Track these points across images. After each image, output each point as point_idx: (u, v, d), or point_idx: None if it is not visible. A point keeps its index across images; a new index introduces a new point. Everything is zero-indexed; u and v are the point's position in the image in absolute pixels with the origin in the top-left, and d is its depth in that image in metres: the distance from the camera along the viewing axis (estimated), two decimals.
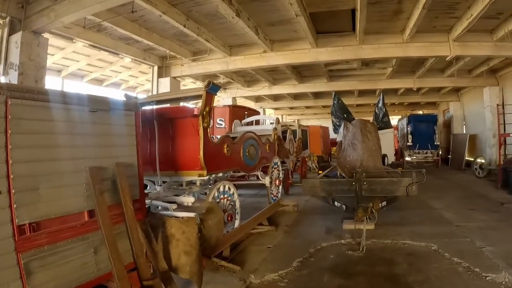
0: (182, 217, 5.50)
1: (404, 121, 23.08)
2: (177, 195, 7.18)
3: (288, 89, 18.93)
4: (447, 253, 5.99)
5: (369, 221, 7.37)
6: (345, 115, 10.06)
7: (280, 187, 11.19)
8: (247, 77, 18.05)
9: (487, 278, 4.98)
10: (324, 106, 26.94)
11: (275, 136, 11.34)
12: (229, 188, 7.43)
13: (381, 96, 10.38)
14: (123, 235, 4.45)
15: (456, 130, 23.67)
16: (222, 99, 19.59)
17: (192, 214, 5.51)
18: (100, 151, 4.40)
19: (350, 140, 9.43)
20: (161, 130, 7.06)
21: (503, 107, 15.59)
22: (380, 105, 10.30)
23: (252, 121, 13.68)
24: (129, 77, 18.01)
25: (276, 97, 24.56)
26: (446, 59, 11.32)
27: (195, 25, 10.30)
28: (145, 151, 7.04)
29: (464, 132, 22.48)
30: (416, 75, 16.47)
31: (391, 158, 20.26)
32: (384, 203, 7.69)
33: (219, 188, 7.11)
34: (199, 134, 6.68)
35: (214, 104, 19.70)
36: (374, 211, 7.23)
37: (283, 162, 13.54)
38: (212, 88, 6.88)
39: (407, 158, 21.80)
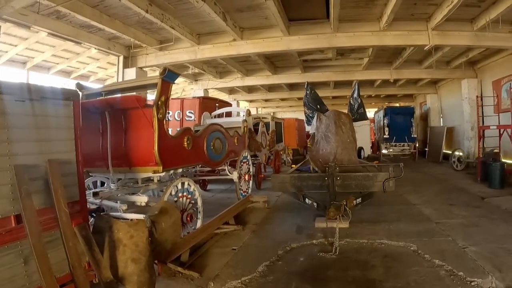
0: (131, 220, 5.00)
1: (381, 113, 22.89)
2: (133, 194, 6.68)
3: (261, 81, 18.40)
4: (427, 255, 5.56)
5: (342, 220, 6.87)
6: (318, 106, 9.56)
7: (251, 182, 10.69)
8: (219, 68, 17.43)
9: (473, 284, 4.55)
10: (299, 98, 26.45)
11: (245, 128, 10.81)
12: (189, 185, 6.87)
13: (356, 86, 9.89)
14: (58, 242, 3.92)
15: (433, 122, 23.57)
16: (193, 91, 18.96)
17: (141, 216, 4.98)
18: (30, 146, 3.86)
19: (323, 132, 8.98)
20: (113, 122, 6.54)
21: (481, 99, 15.35)
22: (355, 95, 9.82)
23: (222, 113, 13.16)
24: (97, 68, 17.26)
25: (250, 89, 24.05)
26: (425, 48, 10.92)
27: (158, 11, 9.70)
28: (96, 146, 6.62)
29: (442, 124, 22.38)
30: (393, 66, 16.15)
31: (367, 151, 20.11)
32: (359, 199, 7.23)
33: (176, 185, 6.56)
34: (153, 126, 6.13)
35: (184, 96, 19.47)
36: (347, 209, 6.73)
37: (255, 156, 13.08)
38: (168, 76, 6.38)
39: (384, 151, 21.58)
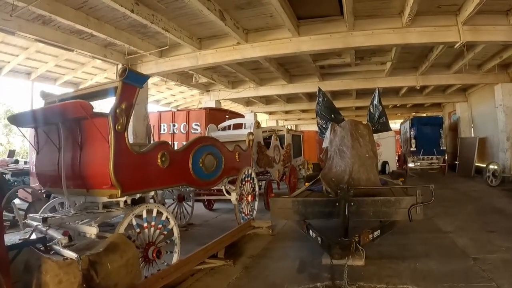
0: (64, 259, 3.75)
1: (407, 124, 21.04)
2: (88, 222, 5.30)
3: (276, 90, 16.85)
4: None
5: (355, 255, 5.23)
6: (332, 115, 8.06)
7: (256, 203, 9.15)
8: (230, 77, 16.07)
9: None
10: None
11: (250, 142, 9.31)
12: (158, 213, 5.38)
13: (377, 91, 8.30)
14: None
15: (463, 133, 21.43)
16: (204, 102, 17.62)
17: (74, 255, 3.66)
18: None
19: (338, 146, 7.37)
20: (66, 135, 5.22)
21: None
22: (375, 102, 8.23)
23: (229, 126, 11.73)
24: (105, 79, 16.20)
25: (267, 100, 22.59)
26: (455, 46, 9.21)
27: (147, 11, 8.48)
28: (53, 162, 5.40)
29: (473, 135, 20.28)
30: (419, 71, 14.34)
31: (393, 166, 18.23)
32: (377, 232, 5.52)
33: (139, 214, 5.14)
34: (108, 140, 4.76)
35: (191, 107, 18.17)
36: (360, 247, 5.04)
37: (265, 173, 11.58)
38: (131, 78, 5.01)
39: (411, 165, 19.69)
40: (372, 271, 5.23)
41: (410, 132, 19.89)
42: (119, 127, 4.84)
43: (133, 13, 8.04)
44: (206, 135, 11.04)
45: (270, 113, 27.55)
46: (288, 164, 13.82)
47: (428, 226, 7.85)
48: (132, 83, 5.08)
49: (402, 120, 25.46)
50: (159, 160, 5.59)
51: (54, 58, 12.99)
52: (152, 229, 5.23)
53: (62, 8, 8.23)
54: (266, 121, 28.59)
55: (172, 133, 13.57)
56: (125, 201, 5.35)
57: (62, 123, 5.20)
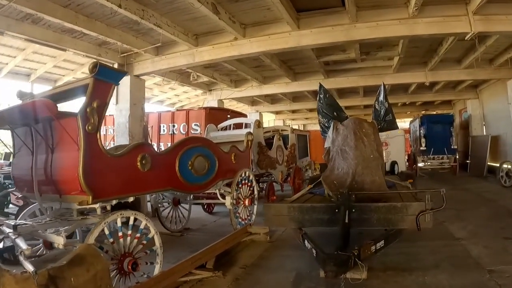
0: (22, 272, 3.33)
1: (416, 122, 20.30)
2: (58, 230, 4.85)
3: (280, 88, 16.20)
4: None
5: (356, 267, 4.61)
6: (335, 113, 7.47)
7: (255, 207, 8.57)
8: (232, 76, 15.43)
9: None
10: None
11: (249, 143, 8.74)
12: (135, 221, 4.87)
13: (382, 86, 7.66)
14: None
15: (475, 131, 20.51)
16: (207, 102, 17.04)
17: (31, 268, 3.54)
18: None
19: (340, 146, 6.79)
20: (39, 136, 4.83)
21: None
22: (381, 98, 7.59)
23: (230, 125, 11.16)
24: None
25: (273, 100, 21.92)
26: (466, 37, 8.48)
27: (136, 6, 7.92)
28: (27, 166, 4.98)
29: (485, 133, 19.42)
30: (429, 66, 13.56)
31: (402, 166, 17.50)
32: (381, 243, 4.86)
33: (112, 222, 4.68)
34: (78, 142, 4.29)
35: (190, 107, 17.65)
36: (359, 262, 4.37)
37: (267, 174, 11.01)
38: (103, 73, 4.53)
39: (421, 164, 18.95)
40: (375, 286, 4.63)
41: (419, 130, 19.13)
42: (89, 128, 4.39)
43: (121, 8, 7.48)
44: (204, 135, 10.53)
45: (277, 112, 26.90)
46: (293, 165, 13.23)
47: (438, 232, 7.18)
48: (105, 80, 4.61)
49: (411, 119, 24.70)
50: (138, 163, 5.10)
51: (52, 59, 12.59)
52: (129, 238, 4.73)
53: (49, 5, 7.73)
54: (273, 121, 27.95)
55: (171, 134, 13.07)
56: (105, 207, 4.84)
57: (35, 124, 4.79)
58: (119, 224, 4.67)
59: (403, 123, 29.39)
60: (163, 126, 13.34)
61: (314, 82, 15.09)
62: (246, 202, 8.13)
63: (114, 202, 4.88)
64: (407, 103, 24.14)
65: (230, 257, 6.22)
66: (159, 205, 8.50)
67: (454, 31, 8.55)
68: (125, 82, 10.99)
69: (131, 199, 5.14)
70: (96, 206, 4.60)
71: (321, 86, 7.81)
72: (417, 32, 8.44)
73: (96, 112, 4.46)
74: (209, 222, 9.81)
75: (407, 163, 19.84)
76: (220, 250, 5.99)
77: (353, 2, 7.92)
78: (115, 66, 11.31)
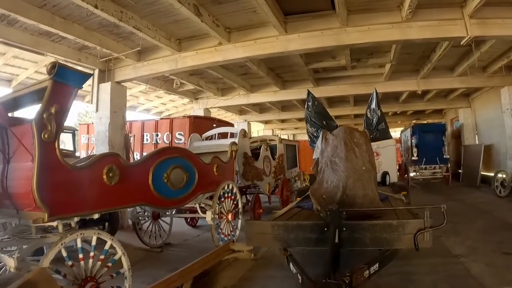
0: None
1: (408, 132, 19.86)
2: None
3: (268, 97, 15.63)
4: None
5: None
6: (324, 122, 6.92)
7: (239, 221, 8.01)
8: (218, 84, 14.89)
9: None
10: None
11: (233, 153, 8.20)
12: (100, 241, 4.32)
13: (375, 93, 7.15)
14: None
15: (467, 140, 20.18)
16: (192, 111, 16.46)
17: None
18: None
19: (329, 157, 6.26)
20: None
21: None
22: (373, 106, 7.08)
23: (214, 135, 10.62)
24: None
25: (262, 109, 21.39)
26: (462, 42, 8.04)
27: (114, 7, 7.40)
28: None
29: (477, 142, 19.08)
30: (421, 74, 13.11)
31: (393, 176, 17.01)
32: (375, 266, 4.30)
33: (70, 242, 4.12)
34: (32, 151, 3.77)
35: (175, 116, 17.09)
36: None
37: (253, 186, 10.46)
38: (62, 75, 3.98)
39: (412, 174, 18.49)
40: None
41: (411, 140, 18.68)
42: (46, 136, 3.84)
43: (97, 9, 6.95)
44: (188, 145, 9.99)
45: (266, 122, 26.40)
46: (281, 176, 12.68)
47: (435, 248, 6.49)
48: (65, 82, 4.08)
49: (402, 128, 24.28)
50: (104, 176, 4.53)
51: (33, 64, 12.01)
52: (91, 260, 4.17)
53: (22, 5, 7.21)
54: (262, 130, 27.44)
55: (155, 143, 12.48)
56: (69, 224, 4.33)
57: None
58: (79, 244, 4.12)
59: (394, 132, 28.99)
60: (147, 135, 12.76)
61: (303, 90, 14.55)
62: (229, 216, 7.57)
63: (76, 219, 4.31)
64: (398, 112, 23.72)
65: (210, 278, 5.65)
66: (138, 219, 7.93)
67: (450, 35, 8.09)
68: (106, 89, 10.47)
69: (96, 216, 4.57)
70: (54, 223, 4.05)
71: (309, 93, 7.29)
72: (411, 37, 7.98)
73: (54, 118, 3.93)
74: (191, 236, 9.22)
75: (398, 174, 19.38)
76: (199, 270, 5.42)
77: (344, 5, 7.46)
78: (96, 72, 10.77)
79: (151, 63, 10.21)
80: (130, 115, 18.11)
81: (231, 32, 8.95)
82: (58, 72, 3.92)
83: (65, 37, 8.73)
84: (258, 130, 27.45)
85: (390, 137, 7.43)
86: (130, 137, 11.63)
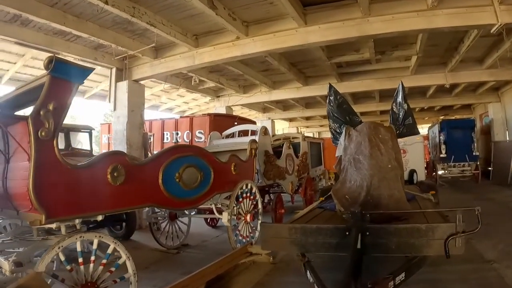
0: None
1: (436, 128, 19.06)
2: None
3: (291, 94, 15.20)
4: None
5: None
6: (348, 117, 6.45)
7: (259, 222, 7.62)
8: (240, 81, 14.54)
9: None
10: None
11: (252, 151, 7.81)
12: (99, 245, 4.08)
13: (400, 86, 6.59)
14: None
15: (497, 136, 19.16)
16: (214, 109, 16.16)
17: None
18: None
19: (353, 155, 5.78)
20: None
21: None
22: (399, 99, 6.52)
23: (235, 133, 10.27)
24: None
25: (285, 106, 20.94)
26: (492, 30, 7.42)
27: (126, 2, 7.17)
28: None
29: (508, 138, 18.18)
30: (448, 67, 12.43)
31: (421, 174, 16.32)
32: (401, 276, 3.83)
33: (69, 245, 3.88)
34: (28, 150, 3.57)
35: (193, 114, 16.82)
36: None
37: (275, 185, 10.05)
38: (60, 70, 3.72)
39: (440, 172, 17.73)
40: None
41: (439, 136, 17.90)
42: (43, 134, 3.58)
43: (108, 5, 6.72)
44: (207, 143, 9.67)
45: (290, 120, 25.90)
46: (304, 174, 12.23)
47: (465, 252, 6.01)
48: (64, 77, 3.80)
49: (429, 125, 23.44)
50: (109, 176, 4.21)
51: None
52: (92, 265, 3.89)
53: (33, 4, 7.04)
54: (286, 128, 26.94)
55: (175, 142, 12.21)
56: (74, 225, 4.07)
57: None
58: (78, 248, 3.83)
59: (421, 129, 28.13)
60: (167, 134, 12.51)
61: (326, 86, 13.95)
62: (248, 217, 7.18)
63: (77, 221, 4.03)
64: (425, 108, 22.83)
65: (224, 283, 5.31)
66: (154, 220, 7.67)
67: (478, 23, 7.45)
68: (123, 88, 10.26)
69: (99, 217, 4.27)
70: (53, 225, 3.79)
71: (331, 86, 6.83)
72: (437, 25, 7.39)
73: (52, 115, 3.65)
74: (210, 237, 8.89)
75: (425, 171, 18.64)
76: (212, 275, 5.09)
77: None
78: (113, 70, 10.57)
79: (168, 60, 9.93)
80: (152, 115, 17.99)
81: (248, 26, 8.58)
82: (56, 67, 3.65)
83: (80, 36, 8.59)
84: (283, 128, 26.98)
85: (417, 132, 6.88)
86: (150, 136, 11.42)
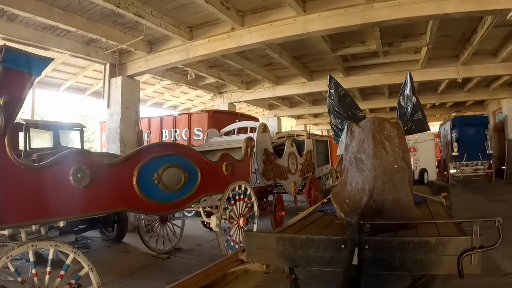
0: None
1: (447, 125, 18.22)
2: None
3: (296, 89, 14.49)
4: None
5: None
6: (350, 112, 5.78)
7: (255, 226, 6.99)
8: (242, 76, 13.88)
9: None
10: None
11: (248, 150, 7.17)
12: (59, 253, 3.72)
13: (408, 76, 5.84)
14: None
15: (511, 134, 18.38)
16: (216, 106, 15.52)
17: None
18: None
19: (354, 154, 5.09)
20: None
21: None
22: (407, 92, 5.78)
23: (234, 130, 9.65)
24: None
25: (291, 103, 20.25)
26: (508, 17, 6.64)
27: None
28: None
29: None
30: (461, 60, 11.60)
31: (432, 174, 15.48)
32: None
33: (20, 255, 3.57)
34: None
35: (193, 111, 16.22)
36: None
37: (276, 186, 9.41)
38: (12, 60, 3.27)
39: (452, 171, 16.88)
40: None
41: (451, 134, 17.08)
42: None
43: None
44: (204, 141, 9.08)
45: (298, 117, 25.17)
46: (309, 174, 11.53)
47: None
48: (17, 68, 3.32)
49: (441, 122, 22.56)
50: (71, 177, 3.65)
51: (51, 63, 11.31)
52: (47, 277, 3.42)
53: None
54: (294, 126, 26.22)
55: (173, 140, 11.61)
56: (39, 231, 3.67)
57: None
58: (31, 258, 3.35)
59: (433, 126, 27.22)
60: (165, 132, 11.91)
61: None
62: (241, 221, 6.54)
63: (34, 227, 3.52)
64: (436, 104, 21.95)
65: None
66: (144, 221, 7.12)
67: (493, 8, 6.65)
68: (117, 84, 9.71)
69: (61, 223, 3.70)
70: (5, 232, 3.37)
71: (331, 78, 6.13)
72: (448, 10, 6.60)
73: (2, 110, 3.18)
74: (205, 241, 8.28)
75: (437, 170, 17.79)
76: (197, 285, 4.48)
77: None
78: (107, 66, 10.02)
79: (163, 54, 9.38)
80: (156, 112, 17.47)
81: (244, 16, 7.96)
82: (7, 56, 3.16)
83: (69, 30, 8.18)
84: (291, 126, 26.29)
85: (428, 128, 6.13)
86: (145, 133, 10.88)
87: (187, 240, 7.92)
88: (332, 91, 6.10)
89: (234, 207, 6.42)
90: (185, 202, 5.38)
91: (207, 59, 10.60)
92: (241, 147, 7.19)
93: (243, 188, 6.68)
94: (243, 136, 8.70)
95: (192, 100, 19.11)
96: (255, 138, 8.02)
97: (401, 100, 5.99)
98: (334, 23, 7.25)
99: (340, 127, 6.01)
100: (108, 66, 10.03)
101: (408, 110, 5.76)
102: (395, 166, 4.76)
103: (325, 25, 7.32)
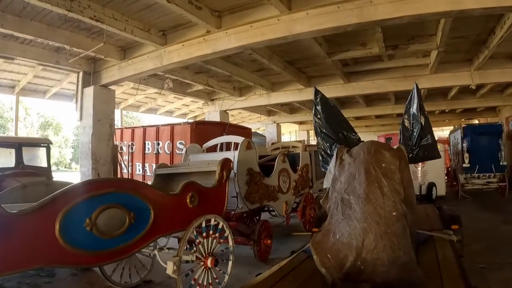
0: None
1: (458, 133, 16.77)
2: None
3: (293, 96, 13.32)
4: None
5: None
6: (341, 134, 4.51)
7: (230, 264, 5.75)
8: (233, 83, 12.73)
9: None
10: (356, 118, 20.96)
11: (224, 174, 5.95)
12: None
13: (415, 90, 4.56)
14: None
15: None
16: (208, 114, 14.35)
17: None
18: None
19: (342, 194, 3.84)
20: None
21: None
22: (413, 110, 4.52)
23: (216, 145, 8.43)
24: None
25: (292, 109, 19.09)
26: None
27: None
28: None
29: None
30: (475, 64, 10.31)
31: (441, 188, 14.11)
32: None
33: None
34: None
35: (195, 117, 14.98)
36: None
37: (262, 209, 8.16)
38: None
39: (463, 182, 15.46)
40: None
41: (462, 143, 15.64)
42: None
43: None
44: (182, 159, 7.88)
45: (300, 123, 23.90)
46: (304, 190, 10.14)
47: None
48: None
49: (450, 128, 21.18)
50: None
51: (31, 70, 10.70)
52: None
53: None
54: (296, 132, 25.00)
55: (156, 153, 10.41)
56: None
57: None
58: None
59: (441, 132, 25.81)
60: (148, 144, 10.69)
61: (332, 87, 12.26)
62: (209, 262, 5.29)
63: None
64: (446, 110, 20.61)
65: None
66: None
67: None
68: (89, 94, 8.58)
69: None
70: None
71: (317, 91, 4.93)
72: (465, 6, 5.33)
73: None
74: (182, 270, 7.08)
75: (446, 180, 16.36)
76: None
77: None
78: (81, 74, 8.94)
79: (136, 61, 8.42)
80: (150, 118, 16.47)
81: (221, 16, 6.85)
82: None
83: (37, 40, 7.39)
84: (293, 131, 25.05)
85: (438, 155, 4.83)
86: (128, 144, 9.75)
87: (160, 271, 6.73)
88: (318, 108, 4.93)
89: (199, 246, 5.20)
90: (132, 247, 4.25)
91: (191, 65, 9.44)
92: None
93: (212, 222, 5.44)
94: (224, 154, 7.51)
95: (188, 106, 18.01)
96: (236, 157, 6.81)
97: (405, 120, 4.76)
98: (325, 23, 6.03)
99: (329, 152, 4.81)
100: (81, 74, 9.02)
101: (415, 134, 4.50)
102: (394, 214, 3.53)
103: (314, 25, 6.11)
